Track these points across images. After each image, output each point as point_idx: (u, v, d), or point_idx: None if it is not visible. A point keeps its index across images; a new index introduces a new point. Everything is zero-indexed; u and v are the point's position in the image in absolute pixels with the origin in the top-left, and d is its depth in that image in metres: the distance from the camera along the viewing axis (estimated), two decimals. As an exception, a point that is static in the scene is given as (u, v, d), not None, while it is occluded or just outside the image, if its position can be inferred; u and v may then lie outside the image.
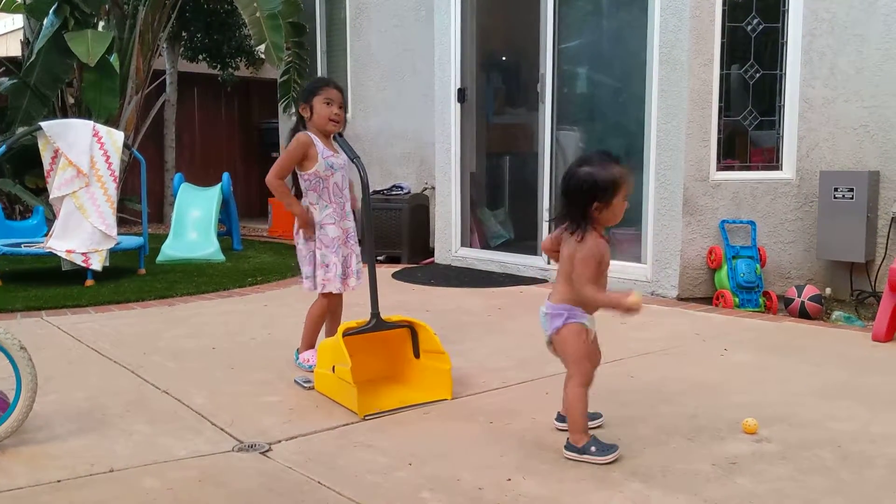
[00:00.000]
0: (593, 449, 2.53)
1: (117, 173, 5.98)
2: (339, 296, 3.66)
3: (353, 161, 3.44)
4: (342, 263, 3.56)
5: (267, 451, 2.69)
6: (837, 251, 5.29)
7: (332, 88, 3.53)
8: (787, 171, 5.52)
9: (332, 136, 3.55)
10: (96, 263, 5.76)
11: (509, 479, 2.44)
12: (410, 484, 2.42)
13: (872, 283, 5.27)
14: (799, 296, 5.15)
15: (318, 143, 3.49)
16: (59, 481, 2.40)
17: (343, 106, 3.56)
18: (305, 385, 3.39)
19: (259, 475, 2.48)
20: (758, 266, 5.33)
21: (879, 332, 4.14)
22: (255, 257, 7.54)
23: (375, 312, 3.30)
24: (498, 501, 2.30)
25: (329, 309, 3.66)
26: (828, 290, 5.39)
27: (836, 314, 5.00)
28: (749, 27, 5.47)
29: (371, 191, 7.61)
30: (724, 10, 5.38)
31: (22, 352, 2.63)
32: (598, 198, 2.50)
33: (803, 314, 5.09)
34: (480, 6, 6.97)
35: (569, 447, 2.58)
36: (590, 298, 2.54)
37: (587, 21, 6.29)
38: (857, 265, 5.32)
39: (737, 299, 5.25)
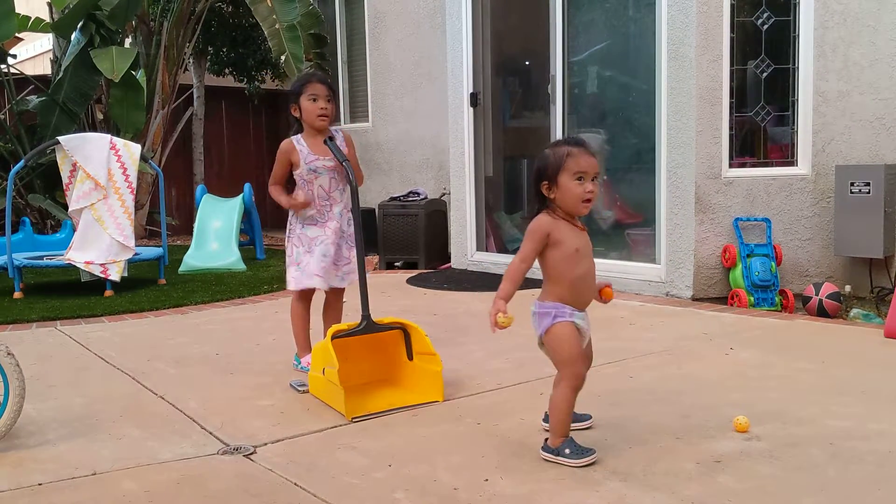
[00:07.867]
0: (567, 451, 2.48)
1: (135, 185, 6.08)
2: (318, 292, 3.67)
3: (341, 164, 3.45)
4: (333, 258, 3.58)
5: (251, 453, 2.70)
6: (855, 247, 5.15)
7: (316, 83, 3.52)
8: (803, 167, 5.40)
9: (324, 138, 3.56)
10: (114, 274, 5.86)
11: (486, 480, 2.42)
12: (386, 485, 2.41)
13: (893, 279, 5.13)
14: (816, 294, 5.03)
15: (303, 148, 3.52)
16: (39, 485, 2.44)
17: (332, 98, 3.54)
18: (300, 389, 3.40)
19: (237, 477, 2.49)
20: (773, 264, 5.22)
21: (892, 327, 4.02)
22: (276, 266, 7.59)
23: (366, 314, 3.30)
24: (471, 501, 2.28)
25: (305, 305, 3.69)
26: (847, 288, 5.25)
27: (854, 311, 4.87)
28: (759, 21, 5.37)
29: (389, 197, 7.71)
30: (732, 5, 5.29)
31: (9, 357, 2.68)
32: (542, 177, 2.52)
33: (821, 312, 4.97)
34: (493, 11, 6.96)
35: (545, 448, 2.54)
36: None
37: (596, 21, 6.23)
38: (877, 261, 5.17)
39: (752, 298, 5.15)
